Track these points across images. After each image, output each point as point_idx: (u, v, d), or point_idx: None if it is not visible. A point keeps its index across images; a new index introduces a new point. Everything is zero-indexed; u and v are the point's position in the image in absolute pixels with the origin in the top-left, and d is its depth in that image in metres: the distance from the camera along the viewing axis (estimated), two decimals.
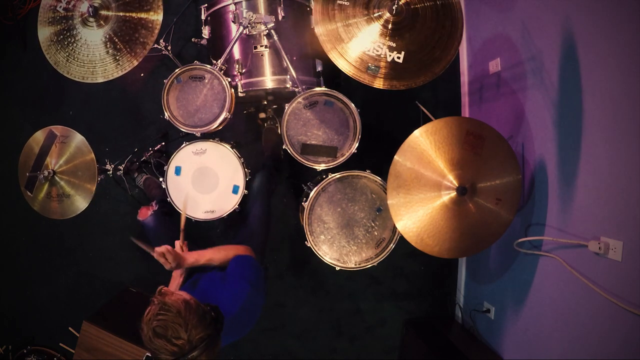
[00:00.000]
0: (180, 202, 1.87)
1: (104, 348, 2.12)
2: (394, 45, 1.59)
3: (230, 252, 1.53)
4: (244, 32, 1.79)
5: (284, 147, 1.81)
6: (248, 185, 1.90)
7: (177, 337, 1.04)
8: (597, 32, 1.55)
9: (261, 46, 1.89)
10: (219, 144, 1.87)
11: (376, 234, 1.90)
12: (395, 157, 1.64)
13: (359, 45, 1.59)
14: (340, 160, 1.84)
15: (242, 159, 1.88)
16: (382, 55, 1.59)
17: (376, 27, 1.59)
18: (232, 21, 1.88)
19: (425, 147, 1.62)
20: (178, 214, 1.90)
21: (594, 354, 1.57)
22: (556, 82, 1.79)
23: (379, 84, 1.59)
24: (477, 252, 1.89)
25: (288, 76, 1.91)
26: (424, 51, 1.60)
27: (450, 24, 1.60)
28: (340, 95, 1.79)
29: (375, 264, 1.88)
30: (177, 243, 1.61)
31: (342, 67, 1.58)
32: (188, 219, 1.78)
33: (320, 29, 1.59)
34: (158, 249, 1.43)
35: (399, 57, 1.59)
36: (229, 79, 1.81)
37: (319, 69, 2.05)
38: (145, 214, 1.89)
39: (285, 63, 1.86)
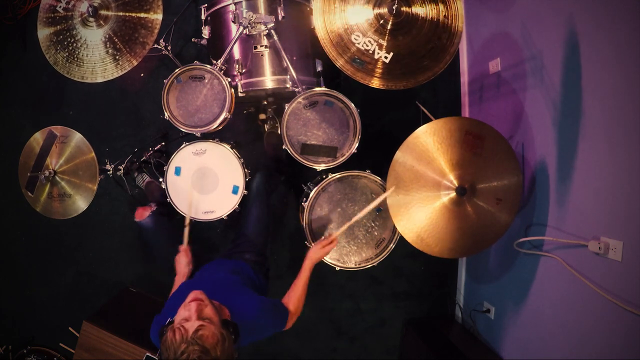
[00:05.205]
0: (180, 204, 1.87)
1: (104, 348, 2.12)
2: (385, 44, 1.59)
3: (294, 303, 1.66)
4: (244, 32, 1.79)
5: (283, 147, 1.81)
6: (248, 185, 1.90)
7: None
8: (598, 32, 1.55)
9: (261, 46, 1.89)
10: (218, 144, 1.87)
11: (376, 234, 1.90)
12: (395, 157, 1.64)
13: (348, 19, 1.59)
14: (340, 160, 1.84)
15: (242, 159, 1.88)
16: (370, 51, 1.59)
17: (371, 15, 1.59)
18: (232, 21, 1.88)
19: (425, 147, 1.62)
20: (176, 215, 1.90)
21: (594, 354, 1.57)
22: (556, 82, 1.78)
23: (361, 78, 1.60)
24: (478, 252, 1.89)
25: (288, 76, 1.91)
26: (413, 58, 1.60)
27: (447, 37, 1.60)
28: (340, 96, 1.78)
29: (375, 264, 1.88)
30: (182, 247, 1.65)
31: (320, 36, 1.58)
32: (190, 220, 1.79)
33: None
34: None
35: (386, 57, 1.59)
36: (229, 79, 1.81)
37: (319, 69, 2.05)
38: (142, 214, 1.88)
39: (285, 63, 1.86)
